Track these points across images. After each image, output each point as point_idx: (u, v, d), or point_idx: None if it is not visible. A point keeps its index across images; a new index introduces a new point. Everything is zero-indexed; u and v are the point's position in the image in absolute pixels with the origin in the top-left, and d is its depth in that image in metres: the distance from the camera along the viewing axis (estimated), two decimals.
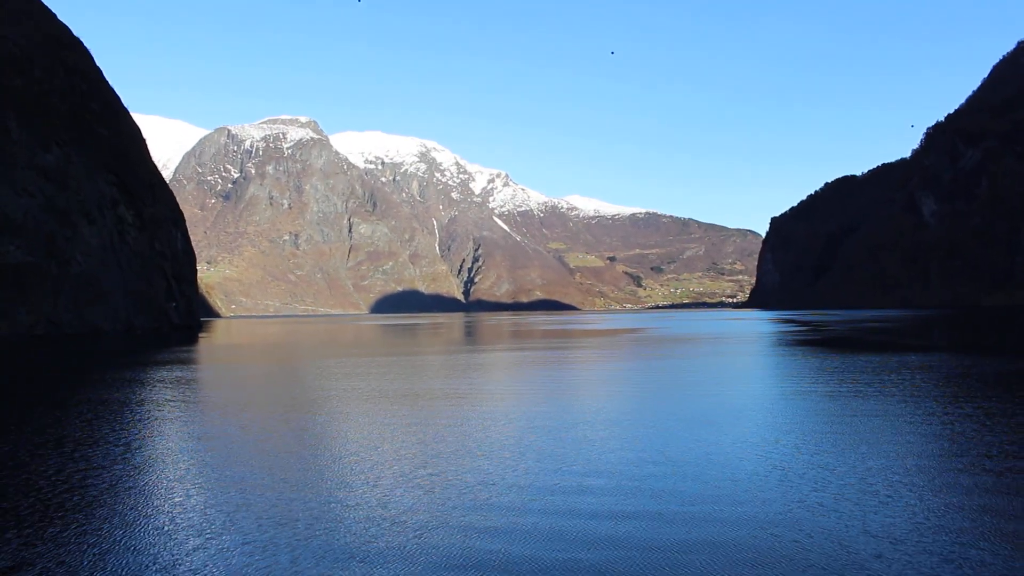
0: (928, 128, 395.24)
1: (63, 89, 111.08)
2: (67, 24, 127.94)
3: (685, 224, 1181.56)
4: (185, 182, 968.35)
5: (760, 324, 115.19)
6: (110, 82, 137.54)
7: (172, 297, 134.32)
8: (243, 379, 35.83)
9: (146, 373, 38.50)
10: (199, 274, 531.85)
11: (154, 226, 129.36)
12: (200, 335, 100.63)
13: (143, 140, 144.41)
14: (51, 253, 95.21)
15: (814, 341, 61.69)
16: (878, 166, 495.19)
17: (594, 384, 32.23)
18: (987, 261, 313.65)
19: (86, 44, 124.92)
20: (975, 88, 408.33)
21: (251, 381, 34.97)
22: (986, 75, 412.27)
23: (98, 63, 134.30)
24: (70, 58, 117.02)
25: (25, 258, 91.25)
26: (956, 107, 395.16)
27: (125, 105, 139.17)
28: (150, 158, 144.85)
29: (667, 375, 33.63)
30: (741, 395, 26.95)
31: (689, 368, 37.69)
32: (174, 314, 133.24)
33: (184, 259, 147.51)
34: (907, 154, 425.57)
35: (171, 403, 26.44)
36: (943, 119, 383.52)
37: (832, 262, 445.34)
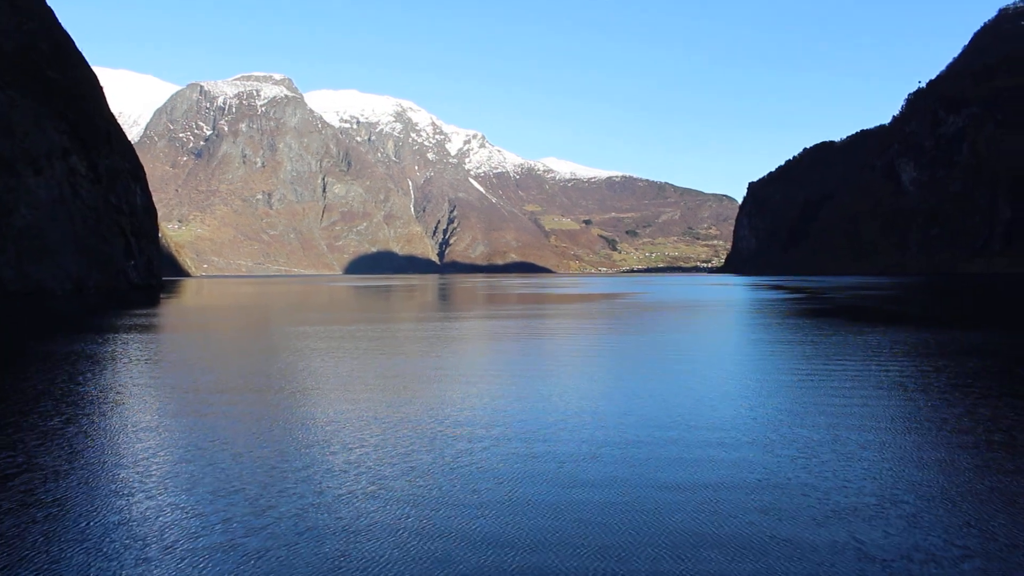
0: (909, 94, 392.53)
1: (7, 28, 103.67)
2: None
3: (661, 188, 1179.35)
4: (156, 139, 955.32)
5: (748, 291, 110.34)
6: (64, 26, 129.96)
7: (131, 255, 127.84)
8: (198, 354, 30.31)
9: (71, 345, 32.98)
10: (170, 233, 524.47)
11: (111, 179, 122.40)
12: (162, 296, 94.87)
13: (100, 87, 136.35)
14: None
15: (826, 311, 56.79)
16: (857, 132, 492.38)
17: (584, 367, 27.05)
18: (966, 229, 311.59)
19: None
20: (956, 55, 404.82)
21: (208, 356, 29.45)
22: (967, 42, 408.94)
23: (60, 11, 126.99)
24: None
25: None
26: (936, 74, 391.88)
27: (80, 49, 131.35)
28: (107, 106, 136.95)
29: (685, 360, 28.13)
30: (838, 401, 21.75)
31: (714, 351, 32.47)
32: (133, 273, 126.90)
33: (144, 215, 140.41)
34: (886, 121, 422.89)
35: (101, 387, 20.99)
36: (924, 85, 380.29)
37: (809, 228, 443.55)
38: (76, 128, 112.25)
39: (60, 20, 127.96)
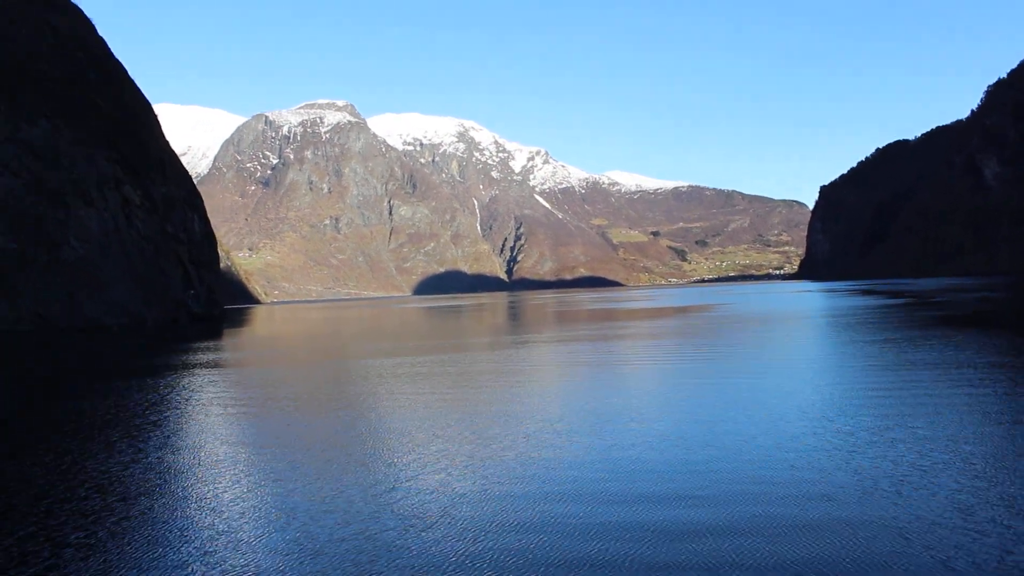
0: (989, 86, 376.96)
1: (53, 56, 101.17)
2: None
3: (729, 196, 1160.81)
4: (225, 170, 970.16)
5: (840, 298, 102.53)
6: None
7: (190, 285, 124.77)
8: (261, 399, 25.46)
9: (82, 401, 28.28)
10: (240, 261, 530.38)
11: (167, 207, 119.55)
12: (224, 328, 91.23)
13: (154, 116, 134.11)
14: (39, 238, 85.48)
15: (966, 319, 50.00)
16: (932, 129, 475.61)
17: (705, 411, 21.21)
18: None
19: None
20: None
21: (270, 402, 24.51)
22: None
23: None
24: (62, 23, 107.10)
25: (6, 244, 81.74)
26: (1014, 66, 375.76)
27: (132, 78, 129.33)
28: (162, 135, 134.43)
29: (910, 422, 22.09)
30: None
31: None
32: (193, 303, 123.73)
33: (203, 243, 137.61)
34: (962, 116, 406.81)
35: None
36: (1006, 76, 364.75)
37: (885, 230, 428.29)
38: (128, 157, 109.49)
39: (114, 51, 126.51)
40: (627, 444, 14.93)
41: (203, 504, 12.01)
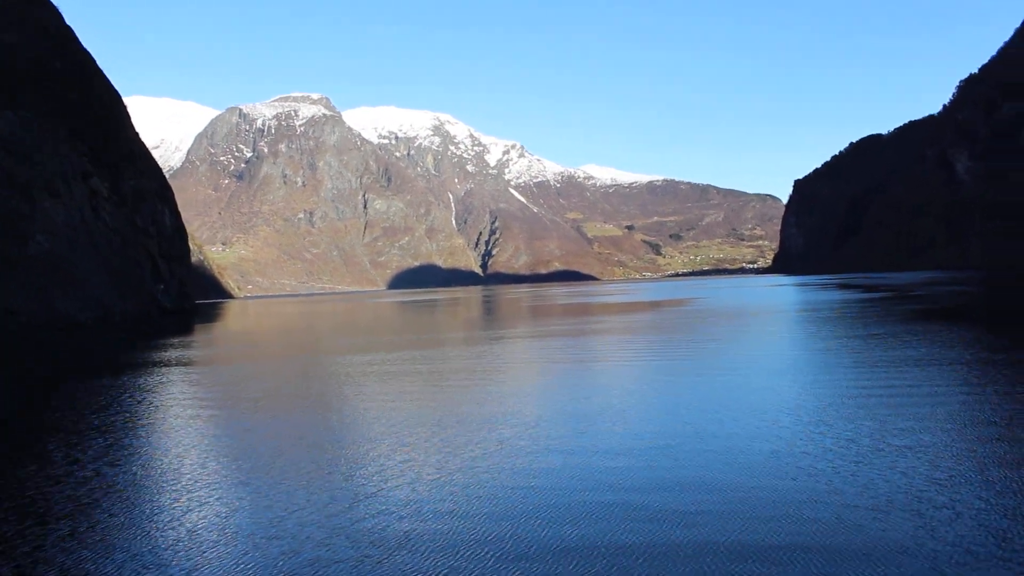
0: (961, 81, 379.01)
1: (18, 46, 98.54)
2: None
3: (704, 190, 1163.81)
4: (198, 163, 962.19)
5: (816, 292, 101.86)
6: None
7: (161, 279, 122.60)
8: (221, 399, 24.12)
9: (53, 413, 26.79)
10: (213, 255, 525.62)
11: (136, 200, 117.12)
12: (195, 323, 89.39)
13: (123, 107, 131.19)
14: (4, 232, 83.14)
15: (947, 312, 49.23)
16: (905, 123, 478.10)
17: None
18: None
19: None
20: (1007, 39, 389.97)
21: (230, 404, 23.14)
22: (1018, 25, 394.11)
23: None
24: (28, 13, 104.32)
25: None
26: (985, 61, 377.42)
27: (102, 69, 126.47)
28: (131, 126, 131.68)
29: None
30: None
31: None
32: (163, 298, 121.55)
33: (174, 236, 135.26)
34: (934, 111, 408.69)
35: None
36: (977, 71, 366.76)
37: (859, 224, 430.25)
38: (96, 150, 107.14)
39: (83, 42, 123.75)
40: (610, 452, 13.74)
41: (127, 529, 10.62)
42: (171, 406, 21.71)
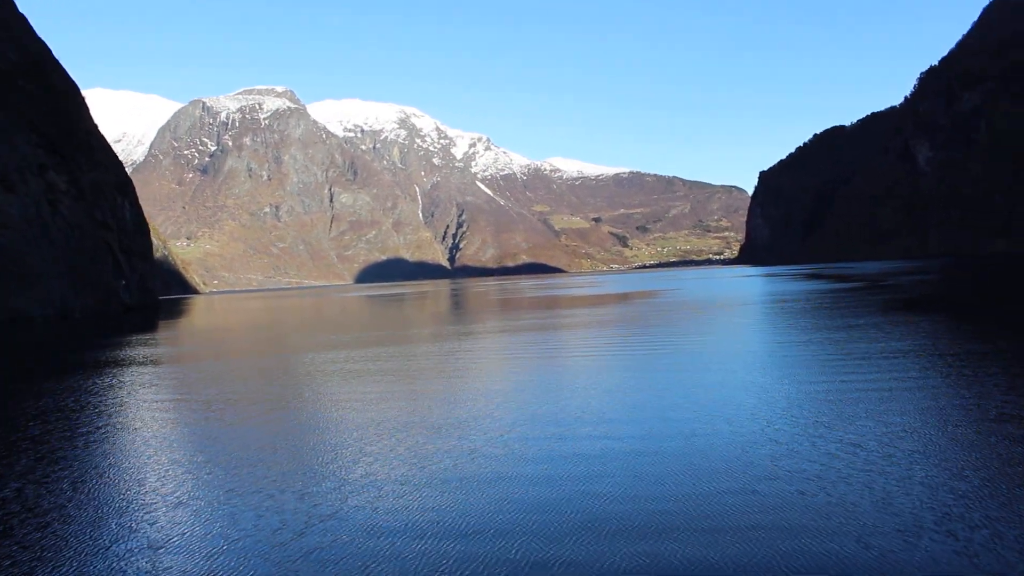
0: (921, 73, 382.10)
1: None
2: None
3: (669, 182, 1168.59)
4: (162, 157, 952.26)
5: (786, 283, 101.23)
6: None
7: (121, 274, 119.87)
8: (170, 402, 22.62)
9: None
10: (177, 251, 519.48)
11: (95, 194, 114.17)
12: (156, 319, 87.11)
13: (81, 98, 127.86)
14: None
15: (928, 303, 48.51)
16: (868, 115, 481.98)
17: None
18: (987, 208, 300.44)
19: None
20: (966, 31, 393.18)
21: (180, 407, 21.62)
22: (976, 18, 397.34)
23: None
24: None
25: None
26: (945, 53, 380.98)
27: (58, 59, 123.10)
28: (90, 119, 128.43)
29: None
30: None
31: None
32: (124, 293, 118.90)
33: (135, 231, 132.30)
34: (896, 102, 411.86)
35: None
36: (937, 63, 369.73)
37: (824, 215, 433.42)
38: (53, 141, 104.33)
39: (38, 32, 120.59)
40: (593, 462, 12.48)
41: (37, 563, 9.22)
42: (115, 413, 20.16)
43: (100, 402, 21.97)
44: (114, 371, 30.59)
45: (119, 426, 18.04)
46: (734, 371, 21.85)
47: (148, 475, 13.12)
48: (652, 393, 18.76)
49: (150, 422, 18.41)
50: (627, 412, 16.43)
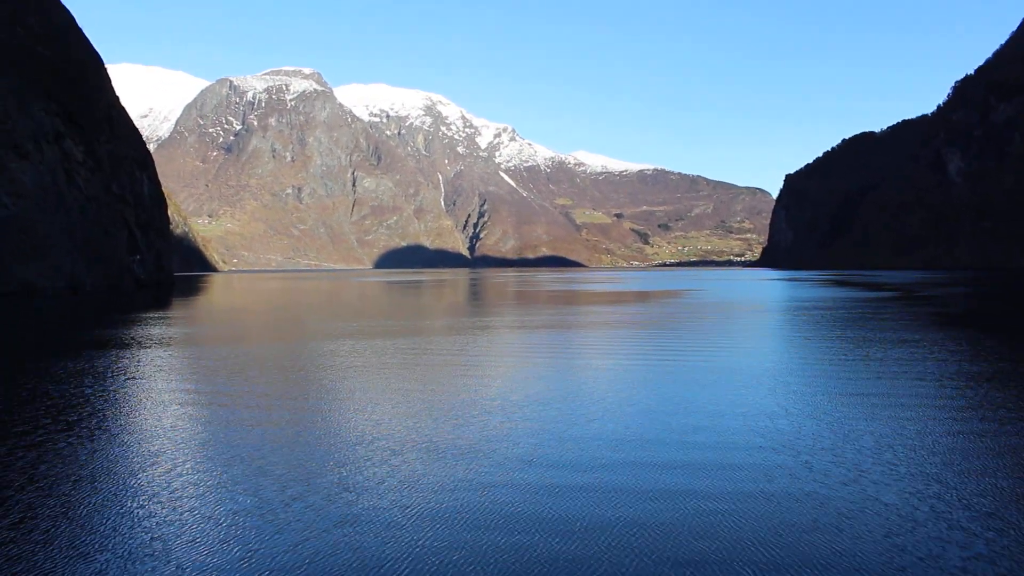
0: (956, 82, 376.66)
1: None
2: None
3: (694, 181, 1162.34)
4: (187, 134, 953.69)
5: (814, 288, 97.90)
6: (91, 22, 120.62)
7: (136, 249, 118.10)
8: (159, 393, 20.33)
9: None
10: (199, 228, 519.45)
11: (113, 166, 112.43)
12: (169, 297, 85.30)
13: (103, 70, 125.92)
14: None
15: (981, 319, 45.72)
16: (899, 122, 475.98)
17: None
18: (1019, 221, 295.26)
19: None
20: (1003, 42, 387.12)
21: (168, 400, 19.35)
22: (1015, 28, 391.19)
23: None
24: None
25: None
26: (981, 62, 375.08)
27: (80, 27, 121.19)
28: (111, 90, 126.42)
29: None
30: None
31: None
32: (139, 269, 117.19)
33: (152, 205, 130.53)
34: (928, 111, 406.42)
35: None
36: (973, 72, 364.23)
37: (849, 222, 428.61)
38: (71, 111, 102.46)
39: (66, 3, 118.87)
40: (617, 490, 9.99)
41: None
42: (96, 402, 17.83)
43: (82, 392, 19.63)
44: (106, 352, 28.33)
45: (98, 420, 15.69)
46: (798, 393, 19.22)
47: (127, 485, 10.76)
48: (686, 406, 16.14)
49: (137, 415, 16.16)
50: (657, 429, 13.87)
